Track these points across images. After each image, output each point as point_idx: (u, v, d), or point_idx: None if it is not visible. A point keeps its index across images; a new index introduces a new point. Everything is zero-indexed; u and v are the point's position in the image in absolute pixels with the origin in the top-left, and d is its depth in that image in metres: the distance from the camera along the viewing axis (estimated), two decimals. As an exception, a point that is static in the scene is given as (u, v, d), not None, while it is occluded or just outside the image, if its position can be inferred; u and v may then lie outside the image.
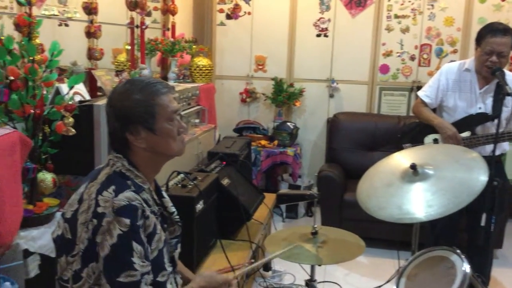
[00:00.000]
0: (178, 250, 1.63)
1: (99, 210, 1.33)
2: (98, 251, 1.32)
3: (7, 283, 1.70)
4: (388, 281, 2.90)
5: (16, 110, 1.87)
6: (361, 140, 4.36)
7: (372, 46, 4.62)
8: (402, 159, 2.05)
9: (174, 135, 1.45)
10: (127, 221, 1.31)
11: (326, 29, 4.67)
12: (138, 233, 1.33)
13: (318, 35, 4.69)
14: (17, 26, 2.00)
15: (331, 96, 4.75)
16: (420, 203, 1.80)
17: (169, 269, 1.49)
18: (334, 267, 3.47)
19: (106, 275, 1.32)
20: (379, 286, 3.16)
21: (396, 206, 1.82)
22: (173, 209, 1.61)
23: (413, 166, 1.88)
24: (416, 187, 1.87)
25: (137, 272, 1.31)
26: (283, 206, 4.39)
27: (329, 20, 4.65)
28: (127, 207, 1.32)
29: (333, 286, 3.13)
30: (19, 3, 2.01)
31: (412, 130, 3.36)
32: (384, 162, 2.11)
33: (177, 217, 1.62)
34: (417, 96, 3.32)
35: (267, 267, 3.15)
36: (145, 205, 1.38)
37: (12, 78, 1.79)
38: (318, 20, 4.67)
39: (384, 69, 4.65)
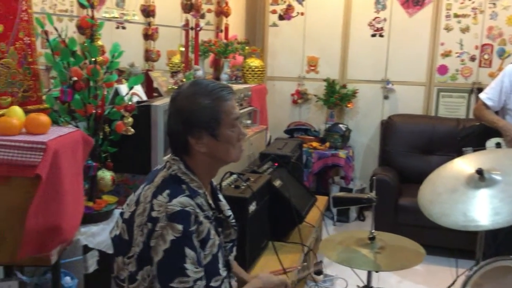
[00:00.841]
0: (234, 253, 1.62)
1: (154, 214, 1.34)
2: (152, 255, 1.33)
3: (67, 278, 1.76)
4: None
5: (78, 109, 1.93)
6: (417, 143, 4.21)
7: (430, 46, 4.46)
8: (466, 164, 1.95)
9: (234, 142, 1.44)
10: (180, 227, 1.31)
11: (382, 28, 4.55)
12: (191, 239, 1.33)
13: (373, 35, 4.58)
14: (79, 28, 2.06)
15: (386, 97, 4.62)
16: (486, 210, 1.71)
17: (224, 273, 1.47)
18: (387, 273, 3.36)
19: (160, 280, 1.33)
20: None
21: (460, 213, 1.73)
22: (229, 212, 1.60)
23: (480, 171, 1.79)
24: (482, 194, 1.77)
25: (190, 278, 1.32)
26: (334, 209, 4.32)
27: (384, 19, 4.54)
28: (181, 212, 1.32)
29: (387, 293, 3.05)
30: (82, 6, 2.07)
31: (472, 133, 3.22)
32: (447, 166, 2.02)
33: (233, 221, 1.60)
34: (478, 99, 3.18)
35: (319, 271, 3.10)
36: (198, 210, 1.37)
37: (75, 78, 1.85)
38: (373, 19, 4.56)
39: (443, 69, 4.48)
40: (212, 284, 1.41)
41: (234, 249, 1.62)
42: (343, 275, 3.22)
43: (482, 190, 1.78)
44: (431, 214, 1.80)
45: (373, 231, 2.02)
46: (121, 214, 1.49)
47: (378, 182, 3.85)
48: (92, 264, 1.87)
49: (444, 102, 4.52)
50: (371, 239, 1.99)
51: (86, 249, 1.84)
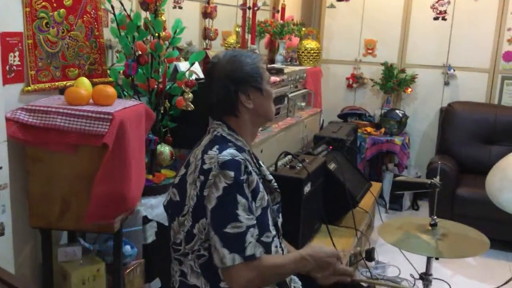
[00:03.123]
0: (280, 219, 1.63)
1: (205, 167, 1.40)
2: (206, 204, 1.38)
3: (128, 246, 1.81)
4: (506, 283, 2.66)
5: (141, 84, 1.96)
6: (478, 132, 4.03)
7: (496, 31, 4.22)
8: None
9: (272, 97, 1.58)
10: (232, 173, 1.37)
11: (445, 12, 4.35)
12: (242, 187, 1.38)
13: (436, 18, 4.39)
14: (143, 4, 2.08)
15: (446, 83, 4.43)
16: None
17: (273, 232, 1.51)
18: (442, 265, 3.26)
19: (214, 226, 1.37)
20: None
21: (534, 201, 1.64)
22: (270, 177, 1.64)
23: (557, 158, 1.68)
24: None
25: (243, 223, 1.36)
26: (386, 197, 4.22)
27: (448, 2, 4.33)
28: (231, 161, 1.38)
29: (442, 285, 2.96)
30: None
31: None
32: (518, 153, 1.91)
33: (275, 184, 1.63)
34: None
35: (370, 257, 3.05)
36: (247, 162, 1.43)
37: (140, 52, 1.87)
38: (437, 2, 4.36)
39: (508, 56, 4.23)
40: (263, 239, 1.44)
41: (280, 214, 1.64)
42: (395, 262, 3.15)
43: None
44: (500, 202, 1.71)
45: (434, 217, 1.95)
46: (171, 183, 1.55)
47: (435, 170, 3.73)
48: (150, 235, 1.91)
49: (508, 90, 4.28)
50: (432, 225, 1.92)
51: (145, 220, 1.89)
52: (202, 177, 1.39)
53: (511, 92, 4.27)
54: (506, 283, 2.74)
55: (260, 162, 1.63)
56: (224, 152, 1.39)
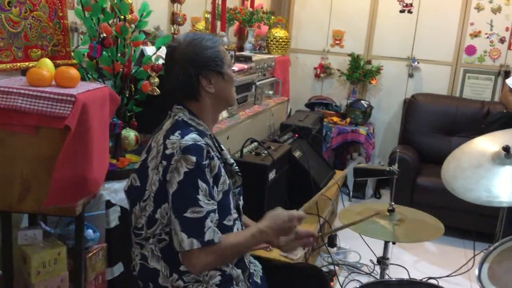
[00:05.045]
0: (241, 202, 1.65)
1: (167, 152, 1.40)
2: (168, 189, 1.38)
3: (90, 231, 1.80)
4: (469, 269, 2.78)
5: (106, 67, 1.94)
6: (440, 124, 4.16)
7: (459, 26, 4.35)
8: (491, 141, 1.93)
9: (233, 81, 1.57)
10: (193, 158, 1.37)
11: (411, 5, 4.45)
12: (204, 172, 1.39)
13: (402, 11, 4.48)
14: (109, -14, 2.05)
15: (411, 75, 4.55)
16: (511, 187, 1.69)
17: (235, 215, 1.53)
18: (401, 251, 3.38)
19: (174, 210, 1.38)
20: (449, 275, 3.05)
21: (485, 188, 1.71)
22: (231, 160, 1.65)
23: (507, 148, 1.76)
24: (508, 170, 1.75)
25: (203, 209, 1.37)
26: (350, 185, 4.31)
27: (414, -5, 4.43)
28: (193, 146, 1.39)
29: (400, 269, 3.07)
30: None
31: (498, 120, 3.17)
32: (472, 143, 2.00)
33: (237, 167, 1.65)
34: (504, 84, 3.12)
35: (332, 243, 3.13)
36: (209, 147, 1.43)
37: (104, 35, 1.85)
38: (403, -5, 4.46)
39: (471, 50, 4.38)
40: (225, 222, 1.46)
41: (241, 197, 1.65)
42: (356, 248, 3.24)
43: (507, 167, 1.76)
44: (454, 189, 1.79)
45: (392, 203, 2.02)
46: (133, 169, 1.54)
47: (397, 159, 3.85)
48: (114, 219, 1.91)
49: (469, 84, 4.43)
50: (390, 211, 1.99)
51: (109, 204, 1.88)
52: (164, 162, 1.39)
53: (473, 85, 4.42)
54: (468, 269, 2.87)
55: (222, 146, 1.64)
56: (186, 137, 1.40)
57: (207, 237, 1.36)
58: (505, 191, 1.70)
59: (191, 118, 1.50)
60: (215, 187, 1.43)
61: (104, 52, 1.89)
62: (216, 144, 1.57)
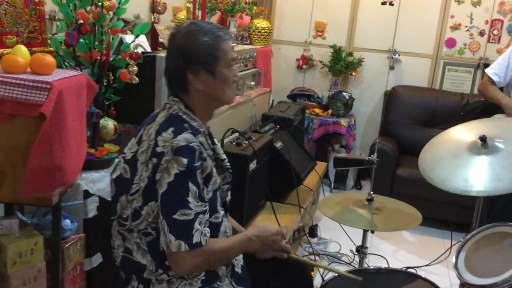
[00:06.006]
0: (229, 197, 1.65)
1: (158, 149, 1.37)
2: (158, 188, 1.36)
3: (67, 221, 1.78)
4: (448, 258, 2.82)
5: (83, 54, 1.91)
6: (420, 116, 4.20)
7: (440, 18, 4.39)
8: (468, 131, 1.95)
9: (230, 81, 1.49)
10: (185, 161, 1.34)
11: (393, -3, 4.47)
12: (195, 174, 1.37)
13: (383, 3, 4.50)
14: (87, -28, 2.01)
15: (391, 68, 4.58)
16: (488, 177, 1.72)
17: (221, 212, 1.52)
18: (381, 241, 3.42)
19: (163, 211, 1.36)
20: (427, 264, 3.10)
21: (462, 178, 1.74)
22: (224, 156, 1.63)
23: (483, 138, 1.78)
24: (484, 160, 1.77)
25: (192, 211, 1.35)
26: (332, 176, 4.34)
27: (396, -13, 4.45)
28: (186, 147, 1.35)
29: (379, 259, 3.10)
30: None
31: (476, 109, 3.21)
32: (449, 132, 2.02)
33: (228, 164, 1.63)
34: (483, 74, 3.16)
35: (313, 233, 3.15)
36: (202, 147, 1.41)
37: (81, 21, 1.82)
38: (385, -13, 4.48)
39: (451, 43, 4.42)
40: (212, 220, 1.46)
41: (229, 193, 1.65)
42: (337, 239, 3.26)
43: (484, 157, 1.78)
44: (432, 178, 1.81)
45: (371, 192, 2.04)
46: (123, 156, 1.50)
47: (377, 150, 3.87)
48: (92, 209, 1.89)
49: (449, 76, 4.48)
50: (369, 200, 2.01)
51: (87, 194, 1.86)
52: (154, 160, 1.37)
53: (452, 78, 4.47)
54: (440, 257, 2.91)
55: (215, 140, 1.62)
56: (179, 137, 1.36)
57: (195, 239, 1.35)
58: (482, 180, 1.72)
59: (186, 112, 1.46)
60: (205, 188, 1.41)
61: (81, 40, 1.86)
62: (209, 142, 1.53)
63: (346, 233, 2.89)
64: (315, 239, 3.26)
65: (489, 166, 1.74)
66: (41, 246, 1.65)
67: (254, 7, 4.00)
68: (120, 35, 2.21)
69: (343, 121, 4.33)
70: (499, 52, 4.13)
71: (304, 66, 4.78)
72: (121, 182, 1.47)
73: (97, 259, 1.94)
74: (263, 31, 3.95)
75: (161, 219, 1.37)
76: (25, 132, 1.47)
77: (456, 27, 4.38)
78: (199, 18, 3.30)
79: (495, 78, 3.03)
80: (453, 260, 1.67)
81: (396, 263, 3.09)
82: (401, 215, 2.01)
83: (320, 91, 4.71)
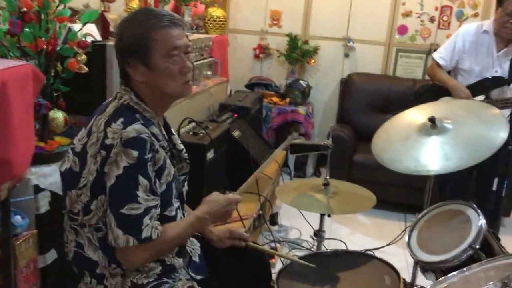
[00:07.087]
0: (186, 188, 1.62)
1: (108, 142, 1.31)
2: (106, 181, 1.32)
3: (18, 217, 1.71)
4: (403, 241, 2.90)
5: (28, 44, 1.83)
6: (374, 102, 4.29)
7: (392, 5, 4.48)
8: (419, 113, 2.01)
9: (172, 73, 1.38)
10: (135, 153, 1.30)
11: (346, -16, 4.52)
12: (145, 167, 1.32)
13: (337, -9, 4.55)
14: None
15: (346, 55, 4.64)
16: (437, 156, 1.78)
17: (176, 204, 1.48)
18: (338, 226, 3.48)
19: (111, 205, 1.32)
20: (384, 246, 3.19)
21: (413, 158, 1.79)
22: (181, 146, 1.59)
23: (432, 119, 1.84)
24: (434, 141, 1.83)
25: (141, 205, 1.31)
26: (291, 164, 4.38)
27: (349, -25, 4.50)
28: (136, 139, 1.30)
29: (338, 243, 3.16)
30: None
31: (425, 92, 3.30)
32: (400, 116, 2.08)
33: (185, 154, 1.60)
34: (432, 58, 3.26)
35: (274, 221, 3.17)
36: (154, 139, 1.35)
37: (25, 9, 1.74)
38: (338, -25, 4.52)
39: (402, 30, 4.52)
40: (167, 213, 1.43)
41: (186, 183, 1.62)
42: (297, 225, 3.30)
43: (433, 138, 1.85)
44: (384, 160, 1.85)
45: (327, 177, 2.06)
46: (72, 148, 1.45)
47: (334, 138, 3.92)
48: (43, 204, 1.82)
49: (402, 63, 4.58)
50: (325, 185, 2.03)
51: (38, 189, 1.79)
52: (103, 152, 1.32)
53: (405, 64, 4.58)
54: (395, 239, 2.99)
55: (172, 130, 1.58)
56: (129, 128, 1.30)
57: (145, 234, 1.32)
58: (432, 160, 1.78)
59: (138, 102, 1.40)
60: (157, 181, 1.37)
61: (26, 29, 1.78)
62: (164, 133, 1.47)
63: (306, 219, 2.93)
64: (276, 227, 3.28)
65: (439, 146, 1.80)
66: (-10, 244, 1.59)
67: (209, -4, 3.96)
68: (69, 24, 2.13)
69: (301, 109, 4.37)
70: (449, 37, 4.25)
71: (261, 55, 4.77)
72: (70, 175, 1.42)
73: (51, 255, 1.89)
74: (218, 19, 3.92)
75: (108, 213, 1.33)
76: (-34, 126, 1.40)
77: (407, 14, 4.48)
78: (151, 6, 3.24)
79: (441, 62, 3.14)
80: (406, 239, 1.72)
81: (354, 246, 3.15)
82: (356, 198, 2.06)
83: (278, 80, 4.73)
